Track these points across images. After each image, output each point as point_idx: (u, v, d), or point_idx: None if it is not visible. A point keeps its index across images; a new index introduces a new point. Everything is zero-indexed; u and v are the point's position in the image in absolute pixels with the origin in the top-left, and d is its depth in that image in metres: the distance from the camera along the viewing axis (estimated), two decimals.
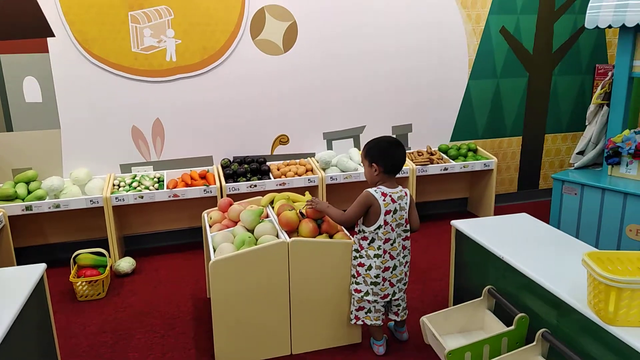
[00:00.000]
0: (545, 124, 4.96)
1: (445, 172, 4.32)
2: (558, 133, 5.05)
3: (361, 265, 2.45)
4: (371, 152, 2.40)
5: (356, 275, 2.48)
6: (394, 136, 4.49)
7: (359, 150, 4.39)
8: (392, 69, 4.34)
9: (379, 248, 2.38)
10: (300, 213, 2.67)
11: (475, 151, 4.57)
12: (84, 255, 3.32)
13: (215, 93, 3.96)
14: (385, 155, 2.37)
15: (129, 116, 3.84)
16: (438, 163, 4.32)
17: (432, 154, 4.42)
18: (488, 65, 4.61)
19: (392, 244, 2.38)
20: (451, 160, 4.38)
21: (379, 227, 2.35)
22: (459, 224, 2.68)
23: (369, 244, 2.40)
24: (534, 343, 1.96)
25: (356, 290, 2.49)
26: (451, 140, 4.70)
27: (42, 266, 2.17)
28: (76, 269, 3.26)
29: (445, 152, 4.52)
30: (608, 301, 1.68)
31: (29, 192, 3.54)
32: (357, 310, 2.52)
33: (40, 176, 3.71)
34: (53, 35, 3.57)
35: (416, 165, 4.21)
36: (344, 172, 4.07)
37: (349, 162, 4.08)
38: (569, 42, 4.78)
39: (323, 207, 2.54)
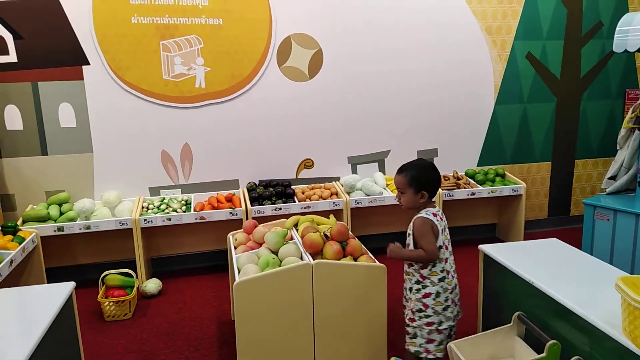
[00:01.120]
0: (576, 149, 4.87)
1: (473, 197, 4.27)
2: (589, 158, 4.95)
3: (427, 295, 2.31)
4: (418, 180, 2.29)
5: (424, 309, 2.32)
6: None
7: (384, 174, 4.38)
8: (416, 94, 4.36)
9: (442, 270, 2.29)
10: (325, 235, 2.67)
11: (503, 176, 4.51)
12: (112, 275, 3.38)
13: (242, 118, 4.04)
14: (433, 180, 2.33)
15: (159, 141, 3.94)
16: (465, 188, 4.27)
17: (458, 179, 4.38)
18: (514, 90, 4.58)
19: (450, 263, 2.34)
20: (478, 185, 4.33)
21: (440, 248, 2.29)
22: (488, 248, 2.63)
23: (430, 271, 2.29)
24: None
25: (427, 324, 2.33)
26: (478, 165, 4.66)
27: (71, 284, 2.21)
28: (104, 289, 3.32)
29: (473, 177, 4.48)
30: None
31: (61, 214, 3.64)
32: (427, 343, 2.36)
33: (72, 198, 3.82)
34: (88, 64, 3.72)
35: (442, 190, 4.18)
36: (368, 195, 4.06)
37: (374, 186, 4.08)
38: (598, 67, 4.73)
39: (399, 253, 2.36)
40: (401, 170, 2.35)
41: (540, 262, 2.42)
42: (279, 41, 3.99)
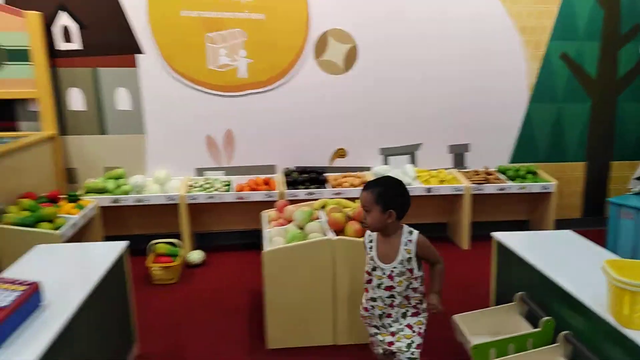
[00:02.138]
0: (613, 150, 4.87)
1: (502, 192, 4.38)
2: (625, 160, 4.94)
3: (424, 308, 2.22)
4: (385, 197, 2.07)
5: (424, 322, 2.22)
6: (452, 155, 4.64)
7: (414, 166, 4.56)
8: (449, 91, 4.51)
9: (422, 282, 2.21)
10: (347, 216, 2.92)
11: (535, 174, 4.58)
12: (161, 244, 3.76)
13: (280, 107, 4.33)
14: (401, 198, 2.12)
15: (204, 126, 4.30)
16: (494, 183, 4.39)
17: (489, 174, 4.51)
18: (548, 89, 4.65)
19: None
20: (509, 181, 4.44)
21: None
22: (500, 235, 2.79)
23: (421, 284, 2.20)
24: (557, 344, 2.06)
25: (420, 334, 2.19)
26: (511, 162, 4.75)
27: (124, 242, 2.57)
28: (153, 256, 3.70)
29: (504, 173, 4.58)
30: (623, 304, 1.77)
31: (118, 188, 4.05)
32: (419, 353, 2.20)
33: (127, 174, 4.23)
34: (142, 52, 4.11)
35: (472, 184, 4.32)
36: None
37: (404, 177, 4.27)
38: (636, 69, 4.71)
39: (438, 293, 2.15)
40: (367, 186, 2.12)
41: (547, 250, 2.57)
42: (317, 36, 4.25)
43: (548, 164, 4.79)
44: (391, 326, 2.17)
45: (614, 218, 3.55)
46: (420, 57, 4.41)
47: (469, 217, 4.33)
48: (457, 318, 2.37)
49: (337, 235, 2.81)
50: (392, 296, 2.13)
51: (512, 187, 4.37)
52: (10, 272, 2.19)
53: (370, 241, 2.20)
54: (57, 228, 3.21)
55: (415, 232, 2.14)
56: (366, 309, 2.24)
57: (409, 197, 2.15)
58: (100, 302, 2.21)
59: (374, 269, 2.16)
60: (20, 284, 1.88)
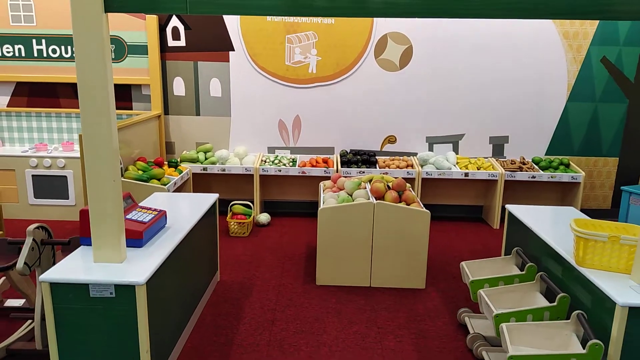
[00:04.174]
0: None
1: (534, 180, 4.92)
2: None
3: None
4: None
5: None
6: (492, 145, 5.21)
7: (456, 154, 5.18)
8: (493, 88, 5.08)
9: None
10: (387, 186, 3.65)
11: (567, 165, 5.07)
12: (237, 205, 4.67)
13: (342, 99, 5.10)
14: None
15: (278, 112, 5.16)
16: (527, 171, 4.93)
17: (523, 163, 5.05)
18: (587, 90, 5.09)
19: None
20: (540, 170, 4.96)
21: None
22: (511, 207, 3.40)
23: None
24: (534, 282, 2.70)
25: None
26: (546, 154, 5.25)
27: (216, 195, 3.46)
28: (231, 214, 4.62)
29: (537, 164, 5.10)
30: (579, 249, 2.40)
31: (206, 159, 5.01)
32: None
33: (214, 148, 5.19)
34: (233, 50, 5.01)
35: (505, 170, 4.89)
36: (438, 169, 4.92)
37: (444, 162, 4.92)
38: None
39: None
40: None
41: (545, 219, 3.17)
42: (377, 37, 4.97)
43: (581, 158, 5.24)
44: None
45: (625, 204, 4.03)
46: (466, 56, 5.01)
47: (500, 200, 4.90)
48: (464, 264, 3.05)
49: (377, 200, 3.55)
50: None
51: (543, 175, 4.89)
52: (143, 204, 3.13)
53: None
54: (163, 185, 4.19)
55: None
56: None
57: None
58: (200, 232, 3.11)
59: None
60: (154, 210, 2.79)
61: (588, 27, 4.97)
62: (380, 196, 3.62)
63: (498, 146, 5.26)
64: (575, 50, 5.02)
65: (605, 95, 5.12)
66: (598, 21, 4.93)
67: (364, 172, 4.86)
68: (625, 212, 4.04)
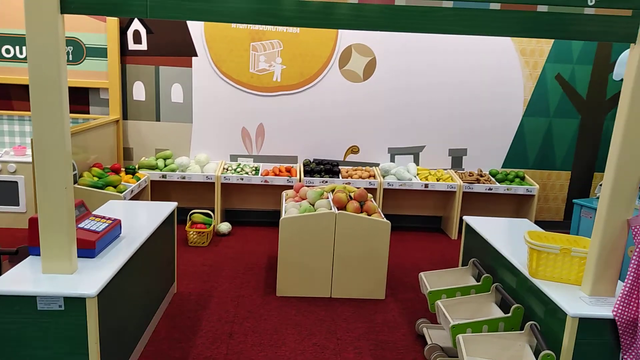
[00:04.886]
0: (595, 162, 5.47)
1: (490, 192, 5.05)
2: None
3: None
4: None
5: None
6: (451, 157, 5.32)
7: (417, 165, 5.26)
8: (453, 104, 5.20)
9: None
10: (349, 196, 3.66)
11: (522, 178, 5.23)
12: (197, 214, 4.58)
13: (306, 108, 5.11)
14: None
15: (241, 119, 5.11)
16: (484, 183, 5.06)
17: (481, 175, 5.18)
18: (542, 105, 5.28)
19: None
20: (497, 183, 5.10)
21: None
22: (469, 219, 3.47)
23: None
24: (489, 292, 2.76)
25: None
26: (502, 167, 5.41)
27: (175, 204, 3.38)
28: (190, 223, 4.52)
29: (494, 176, 5.24)
30: (532, 260, 2.47)
31: (166, 166, 4.90)
32: None
33: (174, 155, 5.08)
34: (196, 55, 4.94)
35: (463, 182, 5.00)
36: (399, 180, 4.98)
37: (406, 173, 4.99)
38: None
39: None
40: None
41: (500, 230, 3.25)
42: (342, 48, 5.00)
43: (535, 171, 5.42)
44: None
45: (577, 217, 4.18)
46: (429, 71, 5.12)
47: (458, 211, 5.00)
48: (423, 275, 3.08)
49: (339, 210, 3.56)
50: None
51: (499, 188, 5.03)
52: (97, 212, 3.02)
53: None
54: (120, 192, 4.07)
55: None
56: None
57: None
58: (157, 241, 3.03)
59: None
60: (108, 219, 2.70)
61: (544, 45, 5.16)
62: (342, 206, 3.63)
63: (457, 158, 5.38)
64: (531, 67, 5.20)
65: (559, 111, 5.33)
66: (553, 39, 5.14)
67: (326, 182, 4.86)
68: (576, 224, 4.20)
